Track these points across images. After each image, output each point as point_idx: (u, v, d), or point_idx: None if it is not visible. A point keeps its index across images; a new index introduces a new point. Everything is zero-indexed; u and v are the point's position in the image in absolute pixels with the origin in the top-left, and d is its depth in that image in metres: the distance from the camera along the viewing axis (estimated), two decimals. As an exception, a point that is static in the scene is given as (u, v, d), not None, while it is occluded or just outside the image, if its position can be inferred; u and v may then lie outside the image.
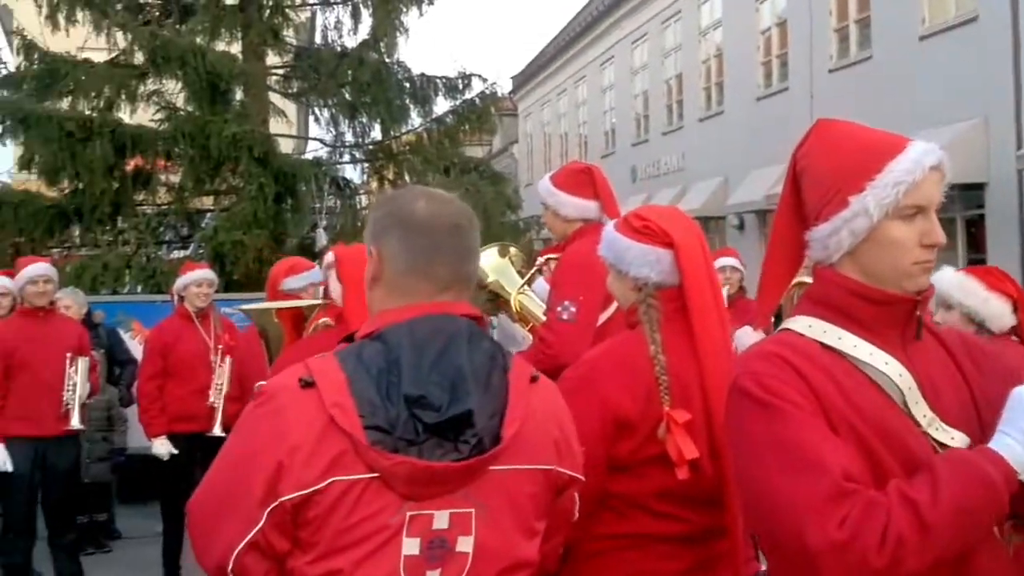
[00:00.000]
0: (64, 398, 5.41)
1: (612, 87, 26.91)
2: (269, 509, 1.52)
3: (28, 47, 10.23)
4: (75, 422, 5.45)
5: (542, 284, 4.03)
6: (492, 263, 3.90)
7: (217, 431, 5.68)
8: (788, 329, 1.70)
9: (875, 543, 1.42)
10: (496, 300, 3.85)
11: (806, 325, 1.67)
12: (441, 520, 1.57)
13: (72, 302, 6.68)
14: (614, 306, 3.37)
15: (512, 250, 4.08)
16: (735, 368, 1.72)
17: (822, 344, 1.64)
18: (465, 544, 1.58)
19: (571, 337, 3.34)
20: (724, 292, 2.63)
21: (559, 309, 3.38)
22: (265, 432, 1.55)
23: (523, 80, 34.96)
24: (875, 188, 1.59)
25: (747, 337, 3.92)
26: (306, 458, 1.51)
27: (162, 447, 5.73)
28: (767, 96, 18.36)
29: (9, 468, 5.32)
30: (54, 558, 5.56)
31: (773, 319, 2.32)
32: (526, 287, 3.83)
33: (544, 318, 3.58)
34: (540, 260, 3.94)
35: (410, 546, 1.55)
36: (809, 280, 1.76)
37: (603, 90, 27.53)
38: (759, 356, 1.65)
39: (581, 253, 3.43)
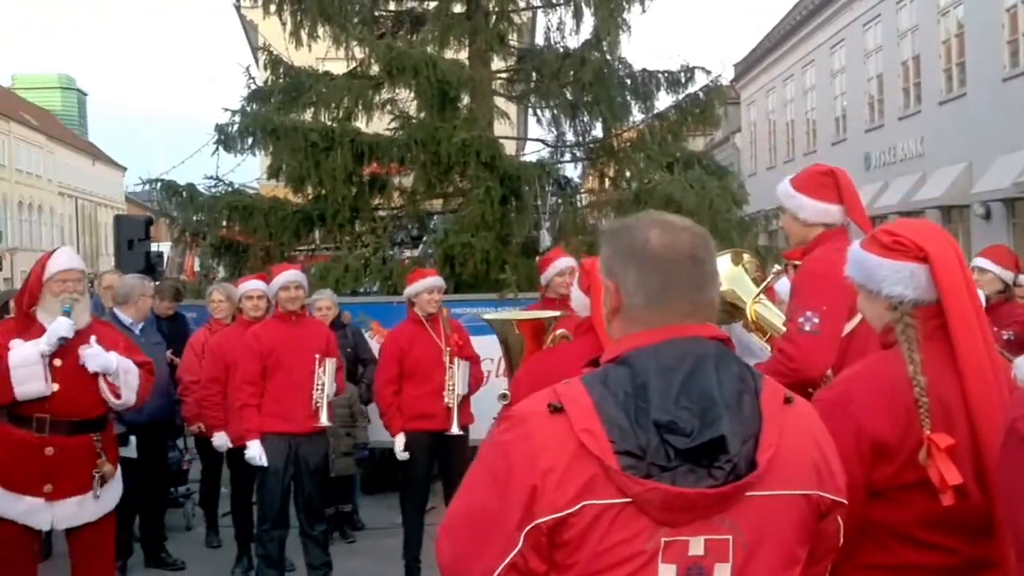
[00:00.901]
0: (314, 397, 5.74)
1: (843, 71, 25.71)
2: (526, 531, 1.54)
3: (274, 62, 10.96)
4: (324, 419, 5.77)
5: (785, 283, 3.88)
6: (725, 271, 3.79)
7: (455, 430, 5.90)
8: None
9: None
10: (731, 310, 3.75)
11: None
12: (697, 546, 1.54)
13: (330, 303, 7.15)
14: (859, 316, 3.21)
15: (745, 256, 3.95)
16: (1012, 403, 1.59)
17: None
18: (723, 572, 1.55)
19: (814, 350, 3.20)
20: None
21: (801, 320, 3.24)
22: (517, 457, 1.57)
23: (746, 67, 34.00)
24: None
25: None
26: (558, 482, 1.53)
27: (401, 443, 5.99)
28: (1014, 76, 17.01)
29: (265, 463, 5.72)
30: (305, 549, 5.92)
31: None
32: (762, 296, 3.70)
33: (783, 329, 3.46)
34: (776, 268, 3.81)
35: (666, 572, 1.53)
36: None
37: (833, 74, 26.36)
38: None
39: (824, 261, 3.29)
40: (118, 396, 4.70)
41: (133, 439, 6.18)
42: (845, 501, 1.70)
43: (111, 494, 4.80)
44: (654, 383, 1.56)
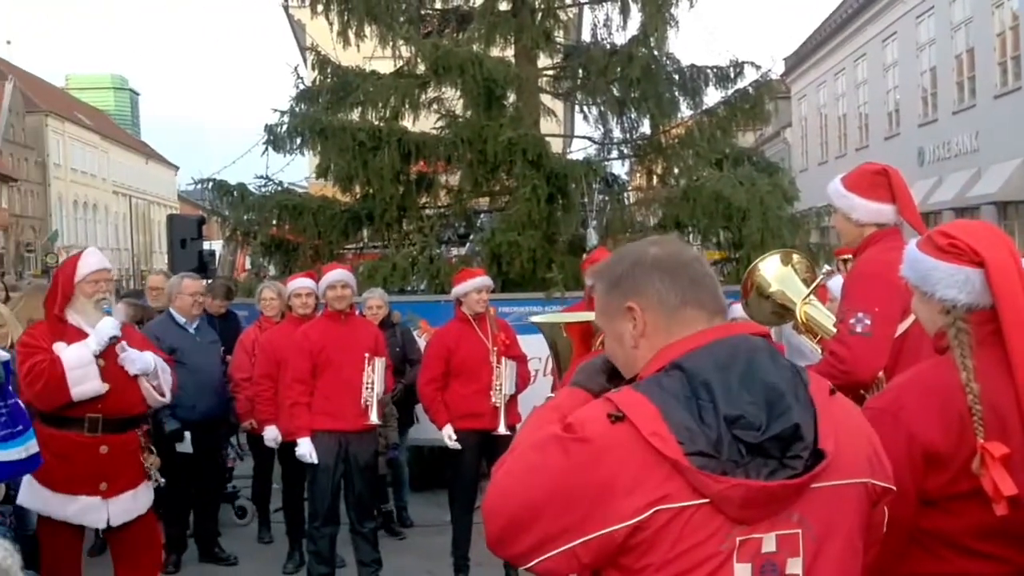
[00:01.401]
0: (363, 395, 5.79)
1: (895, 64, 25.33)
2: (588, 537, 1.52)
3: (322, 62, 11.02)
4: (373, 417, 5.83)
5: (838, 281, 3.84)
6: (774, 271, 3.76)
7: (502, 429, 5.91)
8: None
9: None
10: (781, 311, 3.71)
11: None
12: (769, 543, 1.54)
13: (381, 302, 7.20)
14: (912, 317, 3.16)
15: (795, 257, 3.91)
16: None
17: None
18: (795, 566, 1.55)
19: (866, 352, 3.16)
20: None
21: (852, 321, 3.20)
22: (578, 462, 1.54)
23: (797, 61, 33.62)
24: None
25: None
26: (628, 488, 1.51)
27: (448, 430, 6.01)
28: (1073, 69, 16.60)
29: (315, 460, 5.78)
30: (355, 545, 5.98)
31: None
32: (812, 297, 3.66)
33: (834, 330, 3.42)
34: (826, 268, 3.77)
35: (741, 572, 1.53)
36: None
37: (885, 68, 25.97)
38: None
39: (876, 261, 3.24)
40: (163, 394, 4.84)
41: (188, 435, 6.30)
42: (894, 487, 1.71)
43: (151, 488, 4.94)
44: (716, 380, 1.55)
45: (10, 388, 4.31)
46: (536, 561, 1.58)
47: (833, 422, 1.60)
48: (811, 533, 1.56)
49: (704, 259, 1.78)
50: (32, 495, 4.69)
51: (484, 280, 6.21)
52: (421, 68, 10.24)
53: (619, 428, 1.54)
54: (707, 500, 1.51)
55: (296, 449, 5.85)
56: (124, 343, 4.72)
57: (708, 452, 1.50)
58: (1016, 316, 2.07)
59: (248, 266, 12.68)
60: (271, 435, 6.48)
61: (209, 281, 9.09)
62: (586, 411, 1.62)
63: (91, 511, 4.70)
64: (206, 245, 12.38)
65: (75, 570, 4.81)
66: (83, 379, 4.57)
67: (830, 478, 1.57)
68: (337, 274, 5.98)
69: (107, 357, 4.66)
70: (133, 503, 4.78)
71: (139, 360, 4.70)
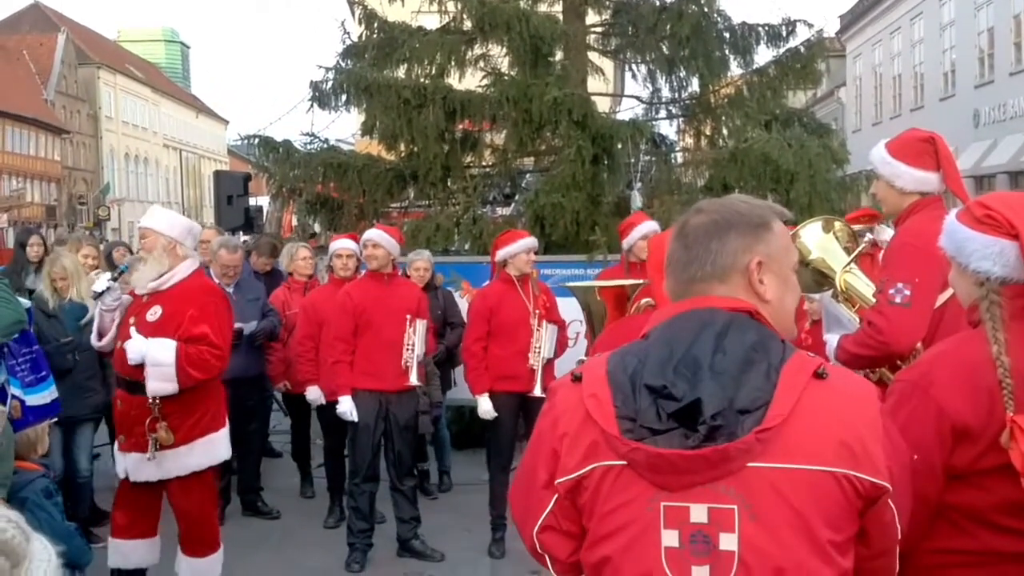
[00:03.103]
0: (404, 356, 5.83)
1: (952, 24, 24.65)
2: (555, 494, 1.70)
3: (369, 17, 10.94)
4: (413, 379, 5.87)
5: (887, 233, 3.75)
6: (816, 239, 3.70)
7: (537, 392, 5.92)
8: None
9: None
10: (820, 279, 3.66)
11: None
12: (699, 514, 1.57)
13: (428, 264, 7.22)
14: (952, 288, 3.11)
15: (837, 224, 3.84)
16: None
17: None
18: (729, 542, 1.56)
19: (904, 323, 3.11)
20: None
21: (892, 292, 3.15)
22: (546, 423, 1.75)
23: (852, 18, 32.84)
24: None
25: None
26: (570, 445, 1.67)
27: (485, 403, 6.04)
28: None
29: (355, 418, 5.84)
30: (395, 502, 6.06)
31: None
32: (853, 265, 3.61)
33: (873, 300, 3.37)
34: (868, 237, 3.71)
35: (669, 538, 1.58)
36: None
37: (942, 27, 25.27)
38: None
39: (918, 231, 3.18)
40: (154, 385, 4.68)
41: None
42: (888, 486, 1.62)
43: (180, 461, 4.73)
44: (655, 351, 1.66)
45: (32, 334, 4.51)
46: (536, 541, 1.77)
47: (796, 405, 1.57)
48: (749, 511, 1.56)
49: (716, 228, 1.76)
50: None
51: (532, 241, 6.18)
52: (467, 24, 10.14)
53: (575, 388, 1.71)
54: (626, 463, 1.61)
55: (337, 407, 5.92)
56: (133, 328, 4.71)
57: (632, 416, 1.61)
58: None
59: (295, 223, 12.79)
60: (313, 395, 6.57)
61: (250, 239, 9.19)
62: (565, 375, 1.79)
63: (117, 459, 4.92)
64: (252, 201, 12.51)
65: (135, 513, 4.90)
66: (107, 332, 4.93)
67: (774, 460, 1.56)
68: (343, 243, 6.49)
69: (138, 315, 4.77)
70: (140, 465, 4.73)
71: (132, 351, 4.66)
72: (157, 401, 4.63)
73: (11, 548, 1.04)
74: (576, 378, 1.71)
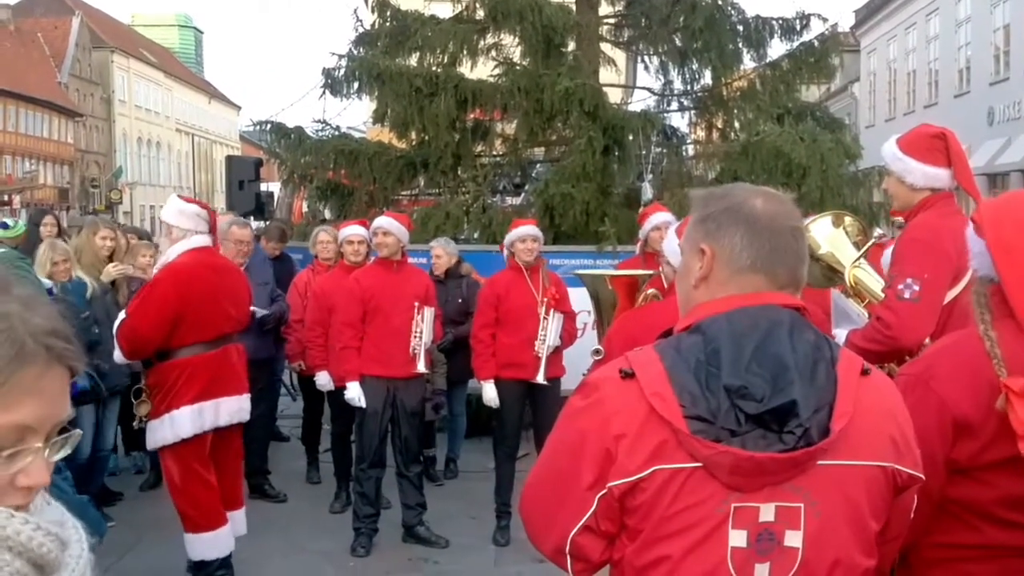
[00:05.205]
0: (411, 343, 5.85)
1: (968, 20, 24.50)
2: (599, 495, 1.60)
3: (381, 5, 10.94)
4: (421, 366, 5.89)
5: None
6: (825, 233, 3.70)
7: (540, 379, 5.94)
8: None
9: None
10: (829, 274, 3.66)
11: None
12: (767, 513, 1.56)
13: (442, 252, 7.20)
14: (961, 284, 3.11)
15: (847, 219, 3.84)
16: None
17: None
18: (794, 539, 1.57)
19: (913, 318, 3.12)
20: None
21: (901, 287, 3.15)
22: (591, 422, 1.63)
23: (868, 13, 32.66)
24: None
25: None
26: (630, 446, 1.57)
27: (491, 390, 6.06)
28: None
29: (363, 404, 5.87)
30: (401, 488, 6.09)
31: None
32: (862, 260, 3.61)
33: (882, 295, 3.37)
34: (878, 232, 3.70)
35: (737, 538, 1.56)
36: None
37: (958, 23, 25.12)
38: None
39: (928, 227, 3.18)
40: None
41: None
42: (923, 476, 1.69)
43: (153, 434, 4.99)
44: (726, 349, 1.58)
45: None
46: (569, 544, 1.67)
47: (856, 402, 1.60)
48: (815, 508, 1.58)
49: (803, 230, 1.73)
50: None
51: (531, 229, 6.17)
52: (480, 13, 10.14)
53: (628, 385, 1.59)
54: (700, 464, 1.54)
55: (344, 393, 5.95)
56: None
57: (706, 418, 1.54)
58: (1019, 294, 2.03)
59: (305, 209, 12.80)
60: (322, 380, 6.61)
61: (259, 224, 9.20)
62: (604, 368, 1.68)
63: None
64: (264, 187, 12.51)
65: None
66: None
67: (840, 457, 1.58)
68: (353, 229, 6.48)
69: None
70: (150, 434, 5.03)
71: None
72: (144, 375, 5.03)
73: (47, 561, 1.09)
74: (627, 374, 1.61)
